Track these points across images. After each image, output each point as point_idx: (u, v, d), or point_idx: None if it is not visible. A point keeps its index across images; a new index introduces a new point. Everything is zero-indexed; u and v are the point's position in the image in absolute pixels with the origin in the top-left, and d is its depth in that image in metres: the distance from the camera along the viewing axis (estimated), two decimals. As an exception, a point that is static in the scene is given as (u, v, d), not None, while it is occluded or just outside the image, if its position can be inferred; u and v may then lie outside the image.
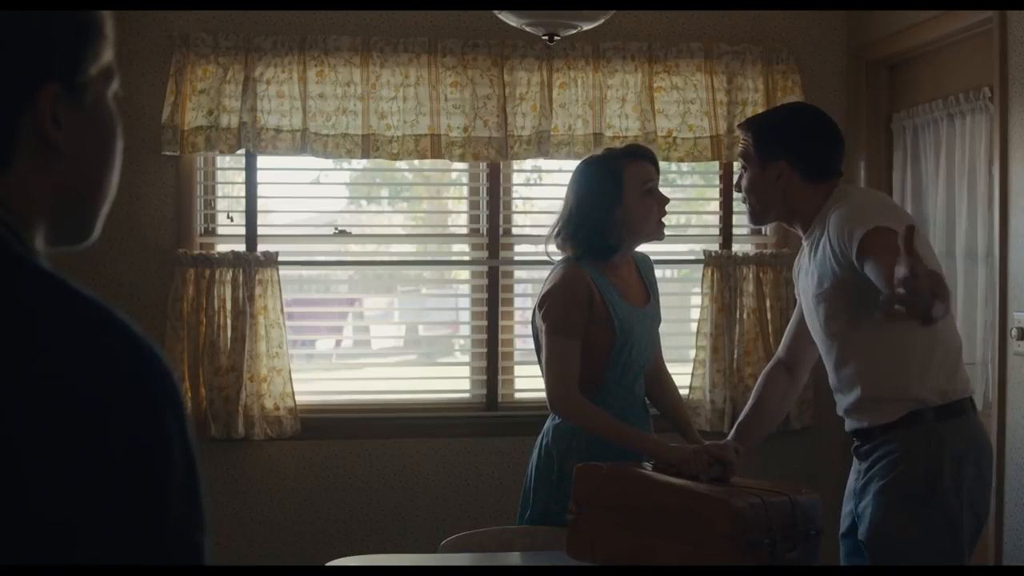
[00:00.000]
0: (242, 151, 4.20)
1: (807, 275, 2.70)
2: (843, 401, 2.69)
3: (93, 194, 1.00)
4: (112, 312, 0.90)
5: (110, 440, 0.85)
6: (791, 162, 2.70)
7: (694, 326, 4.46)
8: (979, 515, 2.59)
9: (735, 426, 2.85)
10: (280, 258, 4.20)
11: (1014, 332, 3.43)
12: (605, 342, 2.94)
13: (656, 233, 3.02)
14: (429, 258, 4.67)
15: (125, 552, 0.85)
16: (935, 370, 2.59)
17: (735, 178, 2.86)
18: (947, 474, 2.54)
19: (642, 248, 3.14)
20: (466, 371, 4.55)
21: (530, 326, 3.17)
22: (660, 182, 3.07)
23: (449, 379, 4.60)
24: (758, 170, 2.73)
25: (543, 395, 4.54)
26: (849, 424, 2.69)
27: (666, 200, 3.02)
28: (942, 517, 2.54)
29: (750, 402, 2.89)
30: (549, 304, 2.95)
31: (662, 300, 5.32)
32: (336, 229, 4.46)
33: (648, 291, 3.12)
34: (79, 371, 0.86)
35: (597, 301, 2.94)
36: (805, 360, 2.88)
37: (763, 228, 4.55)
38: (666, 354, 5.03)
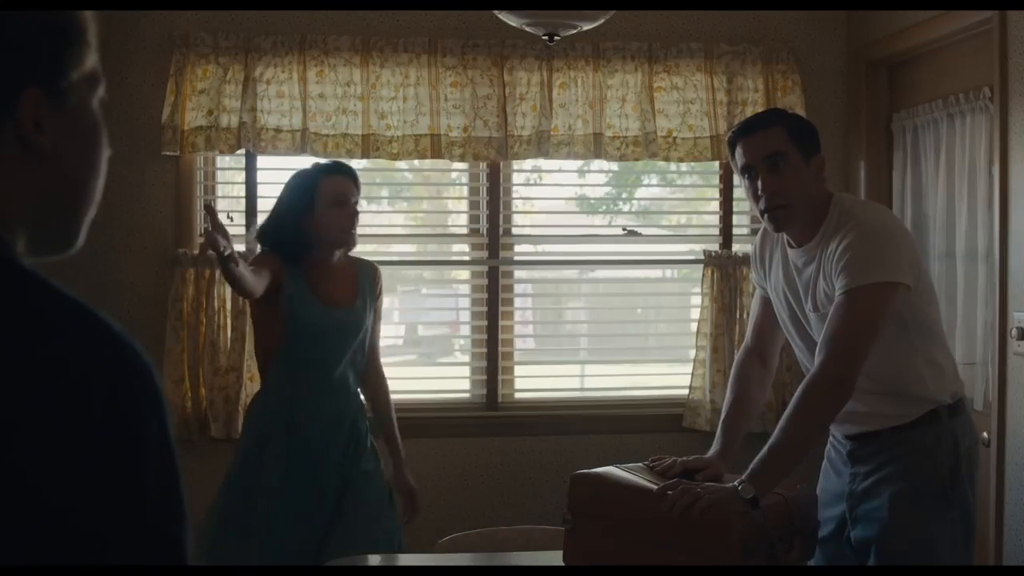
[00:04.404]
0: (242, 151, 4.20)
1: (796, 284, 2.65)
2: (847, 406, 2.62)
3: (76, 200, 1.00)
4: (91, 309, 0.90)
5: (87, 434, 0.85)
6: (822, 158, 2.61)
7: (694, 326, 4.46)
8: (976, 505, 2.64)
9: (720, 427, 2.76)
10: (280, 258, 4.19)
11: (1014, 332, 3.42)
12: (279, 328, 3.29)
13: (342, 241, 3.37)
14: (429, 258, 4.67)
15: (103, 544, 0.85)
16: (948, 373, 2.63)
17: (757, 183, 2.57)
18: (963, 468, 2.58)
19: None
20: (466, 371, 4.55)
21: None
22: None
23: (449, 379, 4.60)
24: (801, 165, 2.55)
25: (543, 395, 4.58)
26: (850, 429, 2.65)
27: (355, 213, 3.37)
28: (960, 511, 2.57)
29: (729, 398, 2.82)
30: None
31: (661, 300, 5.33)
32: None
33: (358, 295, 3.43)
34: (56, 367, 0.86)
35: (283, 287, 3.28)
36: (775, 344, 2.85)
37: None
38: (666, 354, 5.06)
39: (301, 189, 3.39)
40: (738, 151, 2.61)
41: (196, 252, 4.17)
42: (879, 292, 2.45)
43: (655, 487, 2.48)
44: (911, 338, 2.57)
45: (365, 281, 3.47)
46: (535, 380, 4.57)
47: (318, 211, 3.34)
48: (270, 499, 3.22)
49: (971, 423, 2.65)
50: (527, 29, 3.11)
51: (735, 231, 4.55)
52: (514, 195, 4.54)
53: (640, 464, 2.66)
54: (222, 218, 3.81)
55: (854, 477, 2.64)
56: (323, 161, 3.59)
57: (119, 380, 0.88)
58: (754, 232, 4.60)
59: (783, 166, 2.55)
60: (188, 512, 0.91)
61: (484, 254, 4.47)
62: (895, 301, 2.47)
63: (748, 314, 4.32)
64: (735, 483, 2.42)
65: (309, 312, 3.30)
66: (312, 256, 3.36)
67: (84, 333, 0.89)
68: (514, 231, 4.51)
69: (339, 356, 3.35)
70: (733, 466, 2.63)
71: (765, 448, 2.46)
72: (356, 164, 4.50)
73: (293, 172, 3.49)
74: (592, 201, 4.82)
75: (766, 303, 2.82)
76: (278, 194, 3.47)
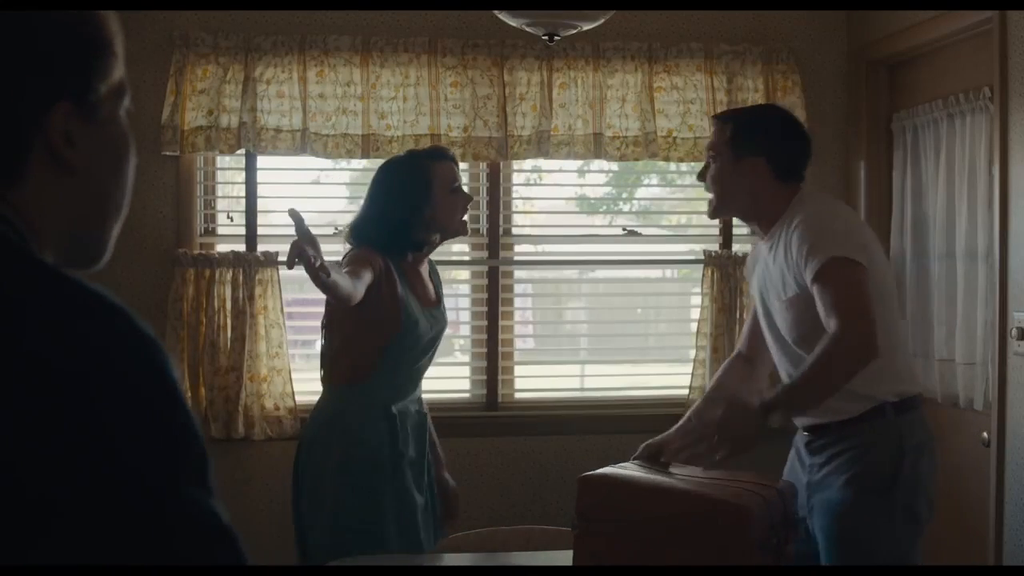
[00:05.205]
0: (242, 151, 4.20)
1: (769, 278, 2.79)
2: None
3: (106, 213, 0.99)
4: (110, 297, 0.89)
5: (114, 420, 0.84)
6: (768, 160, 2.77)
7: (694, 326, 4.46)
8: (932, 504, 2.73)
9: (688, 414, 2.88)
10: (280, 258, 4.19)
11: (1014, 332, 3.42)
12: (390, 329, 3.05)
13: (463, 229, 3.25)
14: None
15: (139, 526, 0.83)
16: (895, 373, 2.73)
17: (701, 169, 2.91)
18: (906, 465, 2.69)
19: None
20: (466, 371, 4.55)
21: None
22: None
23: (449, 379, 4.59)
24: (730, 162, 2.78)
25: (543, 395, 4.57)
26: (804, 420, 2.79)
27: (470, 198, 3.26)
28: (903, 505, 2.68)
29: (707, 388, 2.98)
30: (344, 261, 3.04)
31: (661, 300, 5.33)
32: (336, 229, 4.45)
33: (437, 294, 3.27)
34: (78, 355, 0.84)
35: (395, 286, 3.05)
36: (765, 355, 2.94)
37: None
38: (666, 354, 5.05)
39: (414, 178, 3.14)
40: None
41: (196, 252, 4.17)
42: (842, 263, 2.57)
43: (665, 483, 2.51)
44: None
45: (436, 279, 3.32)
46: (535, 380, 4.57)
47: (437, 200, 3.13)
48: (394, 516, 3.01)
49: (921, 421, 2.74)
50: (527, 29, 3.11)
51: (735, 231, 4.55)
52: (514, 195, 4.54)
53: (630, 463, 2.68)
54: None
55: (811, 468, 2.78)
56: (419, 149, 3.48)
57: (144, 370, 0.87)
58: (754, 232, 4.60)
59: (714, 162, 2.82)
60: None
61: (484, 254, 4.47)
62: (863, 272, 2.58)
63: (748, 314, 4.36)
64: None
65: (416, 314, 3.09)
66: (415, 252, 3.16)
67: (104, 320, 0.88)
68: (514, 231, 4.51)
69: (428, 361, 3.20)
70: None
71: (783, 386, 2.61)
72: (356, 164, 4.52)
73: (384, 165, 3.29)
74: (592, 201, 4.82)
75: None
76: (372, 189, 3.21)
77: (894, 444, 2.69)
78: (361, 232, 3.13)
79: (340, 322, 3.08)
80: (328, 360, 3.15)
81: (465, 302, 4.58)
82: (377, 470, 3.02)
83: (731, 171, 2.78)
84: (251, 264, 4.15)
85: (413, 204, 3.10)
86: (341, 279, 2.76)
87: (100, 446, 0.83)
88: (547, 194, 4.73)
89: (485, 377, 4.46)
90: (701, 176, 2.86)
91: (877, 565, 2.67)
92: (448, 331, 4.81)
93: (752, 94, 4.35)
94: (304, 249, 2.56)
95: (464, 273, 4.62)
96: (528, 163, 4.52)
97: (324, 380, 3.18)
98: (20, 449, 0.81)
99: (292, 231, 3.65)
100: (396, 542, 2.98)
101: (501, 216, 4.45)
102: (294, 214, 2.61)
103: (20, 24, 0.91)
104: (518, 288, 4.61)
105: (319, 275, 2.63)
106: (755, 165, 2.76)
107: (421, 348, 3.14)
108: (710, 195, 2.86)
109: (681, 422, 2.84)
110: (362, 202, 3.26)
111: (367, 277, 2.91)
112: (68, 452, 0.82)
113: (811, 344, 2.64)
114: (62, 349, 0.84)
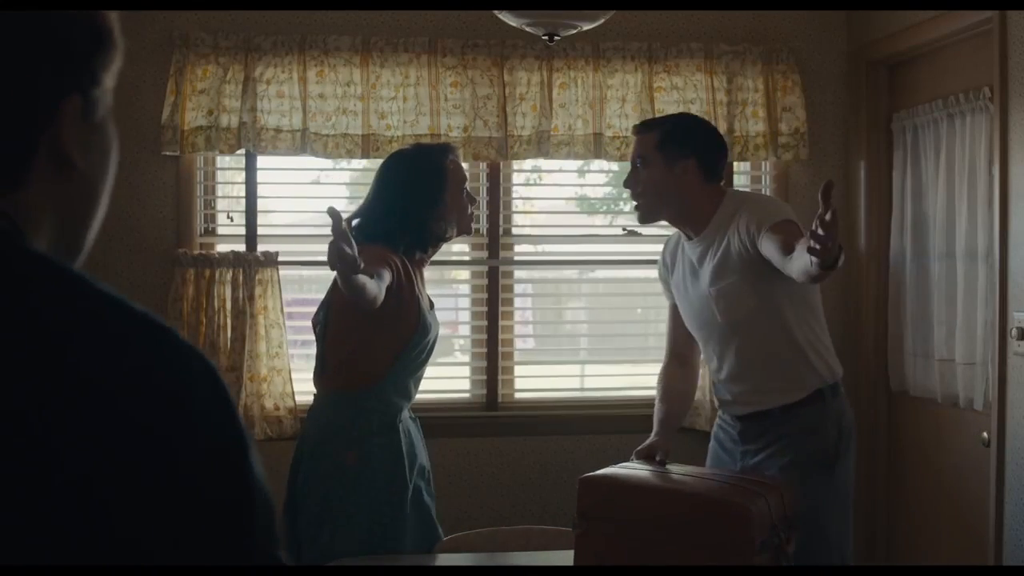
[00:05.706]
0: (242, 151, 4.20)
1: (697, 275, 2.92)
2: (738, 387, 2.94)
3: (94, 211, 0.95)
4: (142, 310, 0.85)
5: (195, 472, 0.80)
6: (698, 161, 2.90)
7: (694, 326, 4.46)
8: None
9: (656, 425, 3.01)
10: (280, 258, 4.19)
11: (1014, 332, 3.42)
12: (407, 332, 2.95)
13: (470, 228, 3.19)
14: (429, 258, 4.67)
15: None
16: (829, 350, 2.94)
17: (625, 178, 3.02)
18: (843, 445, 2.89)
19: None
20: (466, 371, 4.55)
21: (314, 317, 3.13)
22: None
23: (449, 379, 4.59)
24: (662, 168, 2.91)
25: (543, 395, 4.57)
26: (740, 410, 2.94)
27: (475, 199, 3.19)
28: (844, 481, 2.88)
29: (657, 397, 3.09)
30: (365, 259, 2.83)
31: (661, 300, 5.32)
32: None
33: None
34: (129, 377, 0.80)
35: (414, 286, 2.97)
36: (693, 348, 3.11)
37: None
38: (666, 354, 5.00)
39: (431, 172, 3.03)
40: None
41: (196, 252, 4.17)
42: (792, 223, 2.72)
43: (665, 483, 2.53)
44: (803, 314, 2.86)
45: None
46: (535, 380, 4.57)
47: (450, 196, 3.03)
48: (414, 531, 2.95)
49: (848, 404, 2.97)
50: (527, 29, 3.11)
51: (735, 231, 4.55)
52: (514, 195, 4.54)
53: (630, 463, 2.70)
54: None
55: (744, 454, 2.92)
56: (427, 143, 3.46)
57: (222, 415, 0.84)
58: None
59: (643, 169, 2.94)
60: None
61: (484, 254, 4.47)
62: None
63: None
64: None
65: (428, 316, 2.98)
66: (430, 249, 3.07)
67: (176, 357, 0.84)
68: (514, 231, 4.52)
69: (429, 362, 3.09)
70: (671, 457, 2.86)
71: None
72: (356, 164, 4.52)
73: (395, 156, 3.17)
74: (592, 201, 4.82)
75: (676, 310, 3.11)
76: (384, 182, 3.07)
77: (834, 425, 2.87)
78: (372, 228, 2.97)
79: (351, 325, 2.92)
80: (334, 365, 2.99)
81: (465, 302, 4.59)
82: (395, 482, 2.92)
83: (664, 175, 2.90)
84: (251, 264, 4.15)
85: (430, 199, 3.00)
86: (367, 280, 2.62)
87: (180, 498, 0.79)
88: (547, 194, 4.73)
89: (485, 377, 4.46)
90: (627, 185, 2.98)
91: (835, 541, 2.85)
92: (448, 331, 4.86)
93: (752, 94, 4.35)
94: (345, 250, 2.42)
95: (464, 273, 4.62)
96: (528, 163, 4.52)
97: (324, 384, 3.03)
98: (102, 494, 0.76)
99: (292, 231, 3.64)
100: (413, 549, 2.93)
101: (501, 216, 4.45)
102: (333, 212, 2.44)
103: (33, 15, 0.87)
104: (518, 288, 4.61)
105: (355, 276, 2.48)
106: (686, 168, 2.90)
107: (428, 351, 3.05)
108: (637, 201, 2.98)
109: (656, 428, 2.97)
110: (366, 197, 3.14)
111: (387, 277, 2.77)
112: (153, 504, 0.78)
113: (748, 327, 2.83)
114: (142, 394, 0.80)
